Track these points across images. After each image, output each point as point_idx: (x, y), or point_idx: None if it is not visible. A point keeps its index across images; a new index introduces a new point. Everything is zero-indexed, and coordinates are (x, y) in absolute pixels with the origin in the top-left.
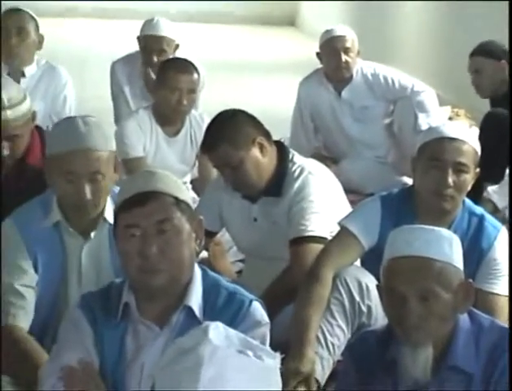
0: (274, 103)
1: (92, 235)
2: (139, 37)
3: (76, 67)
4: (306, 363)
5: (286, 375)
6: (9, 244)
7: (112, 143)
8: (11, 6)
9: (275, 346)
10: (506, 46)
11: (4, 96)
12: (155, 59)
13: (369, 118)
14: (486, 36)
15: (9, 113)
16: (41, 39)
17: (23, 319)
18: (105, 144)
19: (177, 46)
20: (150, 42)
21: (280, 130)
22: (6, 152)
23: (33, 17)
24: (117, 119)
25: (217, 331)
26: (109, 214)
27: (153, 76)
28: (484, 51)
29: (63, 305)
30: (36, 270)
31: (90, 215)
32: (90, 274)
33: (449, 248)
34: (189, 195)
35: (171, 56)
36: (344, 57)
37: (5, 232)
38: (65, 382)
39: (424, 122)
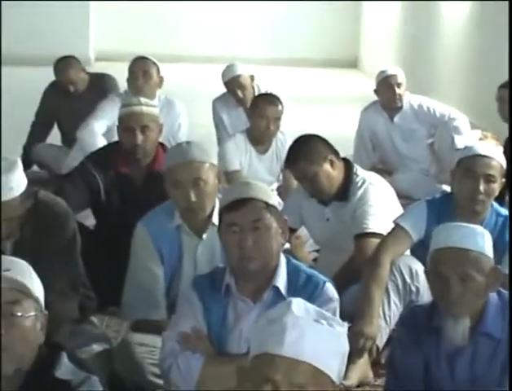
0: (341, 128)
1: (204, 236)
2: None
3: (187, 100)
4: (375, 330)
5: (358, 337)
6: (141, 247)
7: (212, 157)
8: (138, 54)
9: (343, 317)
10: None
11: (141, 99)
12: (240, 94)
13: (415, 139)
14: None
15: (144, 108)
16: (161, 79)
17: (160, 313)
18: (203, 156)
19: (252, 77)
20: (231, 85)
21: (346, 149)
22: (139, 141)
23: (154, 62)
24: (219, 142)
25: (298, 305)
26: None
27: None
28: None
29: (174, 294)
30: (162, 263)
31: (199, 217)
32: (205, 269)
33: (482, 241)
34: (276, 200)
35: (252, 86)
36: (397, 91)
37: (138, 235)
38: (182, 344)
39: (459, 142)
